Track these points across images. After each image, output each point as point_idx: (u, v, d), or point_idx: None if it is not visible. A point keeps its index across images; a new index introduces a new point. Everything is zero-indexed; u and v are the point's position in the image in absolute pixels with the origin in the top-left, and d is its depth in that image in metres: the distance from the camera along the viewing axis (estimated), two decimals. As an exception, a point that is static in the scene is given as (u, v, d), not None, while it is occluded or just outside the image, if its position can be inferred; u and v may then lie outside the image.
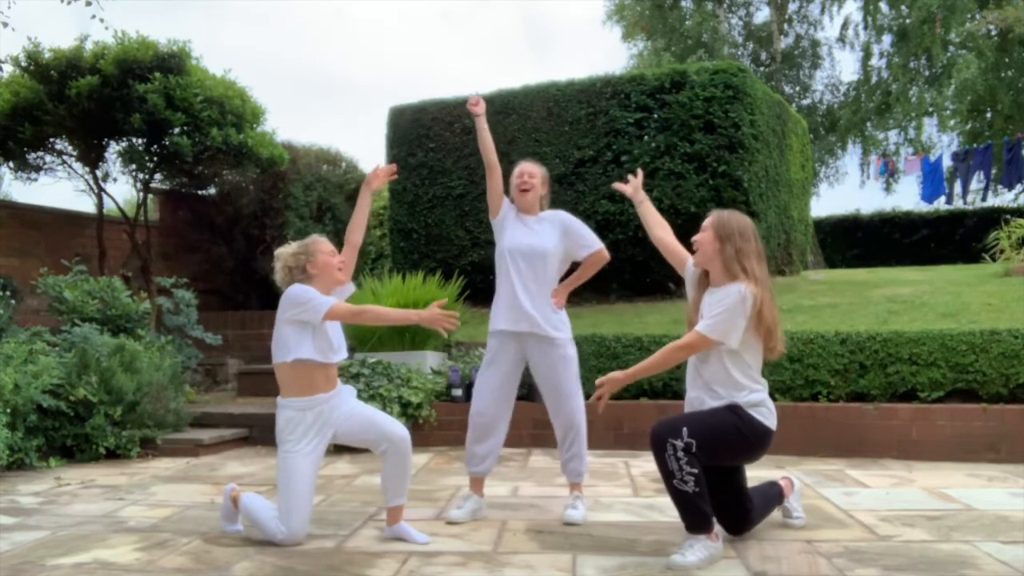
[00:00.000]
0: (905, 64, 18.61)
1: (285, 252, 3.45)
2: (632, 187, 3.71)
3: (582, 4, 38.35)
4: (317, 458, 3.37)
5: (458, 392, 5.86)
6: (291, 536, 3.27)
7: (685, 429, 2.95)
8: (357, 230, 3.69)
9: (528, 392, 5.07)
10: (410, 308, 6.36)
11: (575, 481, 3.81)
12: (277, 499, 3.34)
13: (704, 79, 7.86)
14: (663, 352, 3.13)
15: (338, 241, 3.68)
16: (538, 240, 3.74)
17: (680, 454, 2.92)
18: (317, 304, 3.23)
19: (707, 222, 3.21)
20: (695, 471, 2.93)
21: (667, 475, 2.97)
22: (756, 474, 4.65)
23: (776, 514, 3.51)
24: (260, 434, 6.10)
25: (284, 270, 3.41)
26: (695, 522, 3.01)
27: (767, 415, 3.12)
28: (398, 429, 3.37)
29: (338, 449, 5.32)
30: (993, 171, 14.31)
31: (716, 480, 3.12)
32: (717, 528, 3.08)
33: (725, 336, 3.01)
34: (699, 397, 3.16)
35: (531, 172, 3.82)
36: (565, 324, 3.75)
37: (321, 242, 3.47)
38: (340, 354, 3.43)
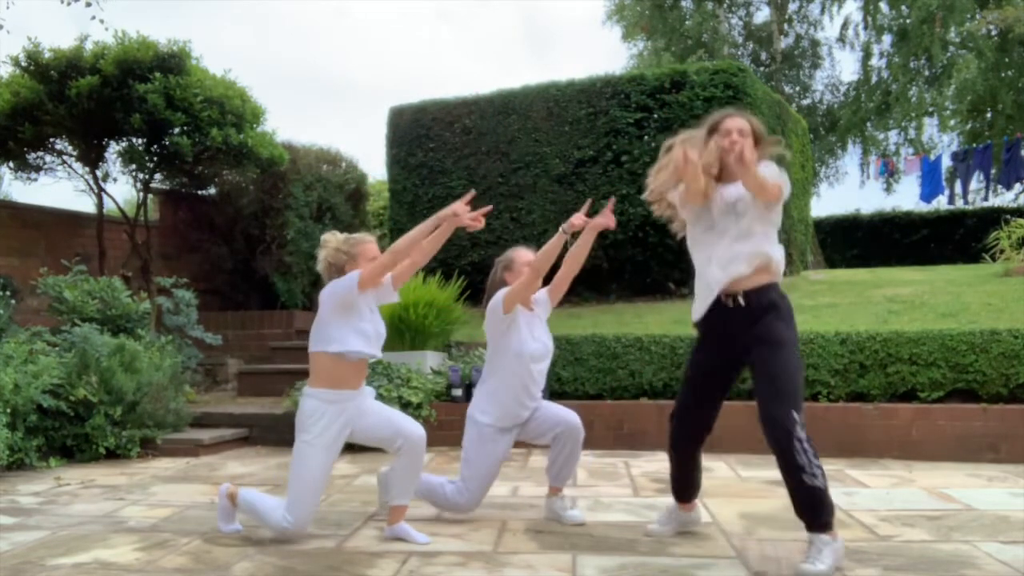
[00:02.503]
0: (905, 64, 18.59)
1: (330, 243, 3.39)
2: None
3: (582, 4, 38.37)
4: (333, 454, 3.32)
5: (458, 392, 5.86)
6: (296, 526, 3.24)
7: (794, 412, 2.68)
8: (425, 256, 3.49)
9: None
10: (410, 308, 6.36)
11: (557, 485, 3.76)
12: (288, 489, 3.30)
13: (704, 79, 7.87)
14: (754, 171, 2.70)
15: None
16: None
17: (806, 445, 2.66)
18: (350, 279, 3.22)
19: (743, 125, 2.90)
20: (819, 460, 2.70)
21: (795, 470, 2.67)
22: (757, 474, 4.65)
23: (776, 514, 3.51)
24: (260, 434, 6.11)
25: (325, 262, 3.38)
26: (826, 519, 2.73)
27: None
28: (415, 428, 3.37)
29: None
30: (992, 171, 14.32)
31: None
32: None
33: (786, 184, 2.85)
34: (735, 274, 2.88)
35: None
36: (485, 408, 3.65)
37: (368, 245, 3.39)
38: (381, 340, 3.39)
